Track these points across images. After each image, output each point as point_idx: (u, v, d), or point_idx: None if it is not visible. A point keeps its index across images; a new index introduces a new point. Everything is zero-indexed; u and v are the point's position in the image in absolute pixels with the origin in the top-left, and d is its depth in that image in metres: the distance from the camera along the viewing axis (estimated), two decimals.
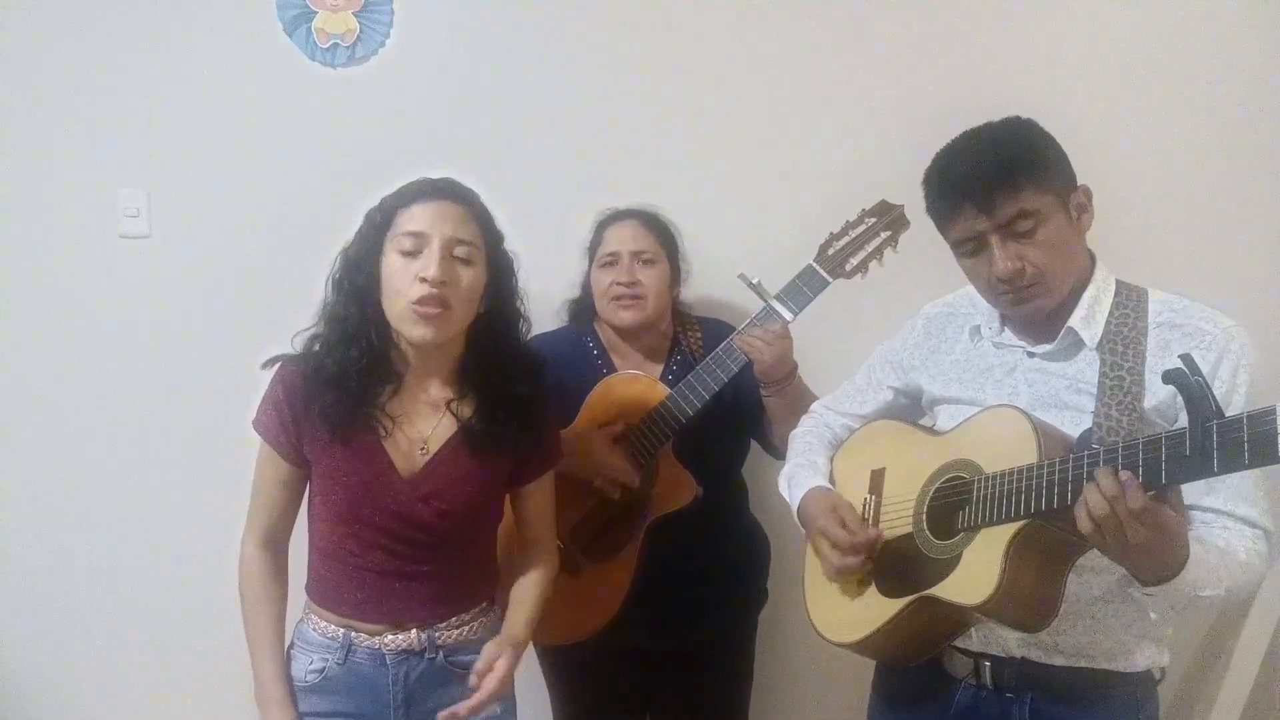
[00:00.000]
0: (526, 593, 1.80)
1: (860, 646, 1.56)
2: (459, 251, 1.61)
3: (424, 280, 1.56)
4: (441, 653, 1.70)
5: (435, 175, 1.69)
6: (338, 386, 1.62)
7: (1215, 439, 1.12)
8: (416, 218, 1.60)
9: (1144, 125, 2.42)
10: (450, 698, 1.70)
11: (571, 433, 2.06)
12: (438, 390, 1.70)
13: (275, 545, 1.72)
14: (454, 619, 1.72)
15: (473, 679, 1.65)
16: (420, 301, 1.57)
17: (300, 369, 1.66)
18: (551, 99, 2.47)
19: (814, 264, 2.02)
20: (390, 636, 1.67)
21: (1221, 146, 2.43)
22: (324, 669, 1.67)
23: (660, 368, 2.19)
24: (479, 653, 1.72)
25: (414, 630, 1.68)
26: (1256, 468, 1.11)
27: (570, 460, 2.01)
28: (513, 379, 1.71)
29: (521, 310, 1.76)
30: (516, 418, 1.70)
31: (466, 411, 1.69)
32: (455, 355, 1.71)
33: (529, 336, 2.14)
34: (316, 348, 1.66)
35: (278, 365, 1.69)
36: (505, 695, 1.78)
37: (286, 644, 1.72)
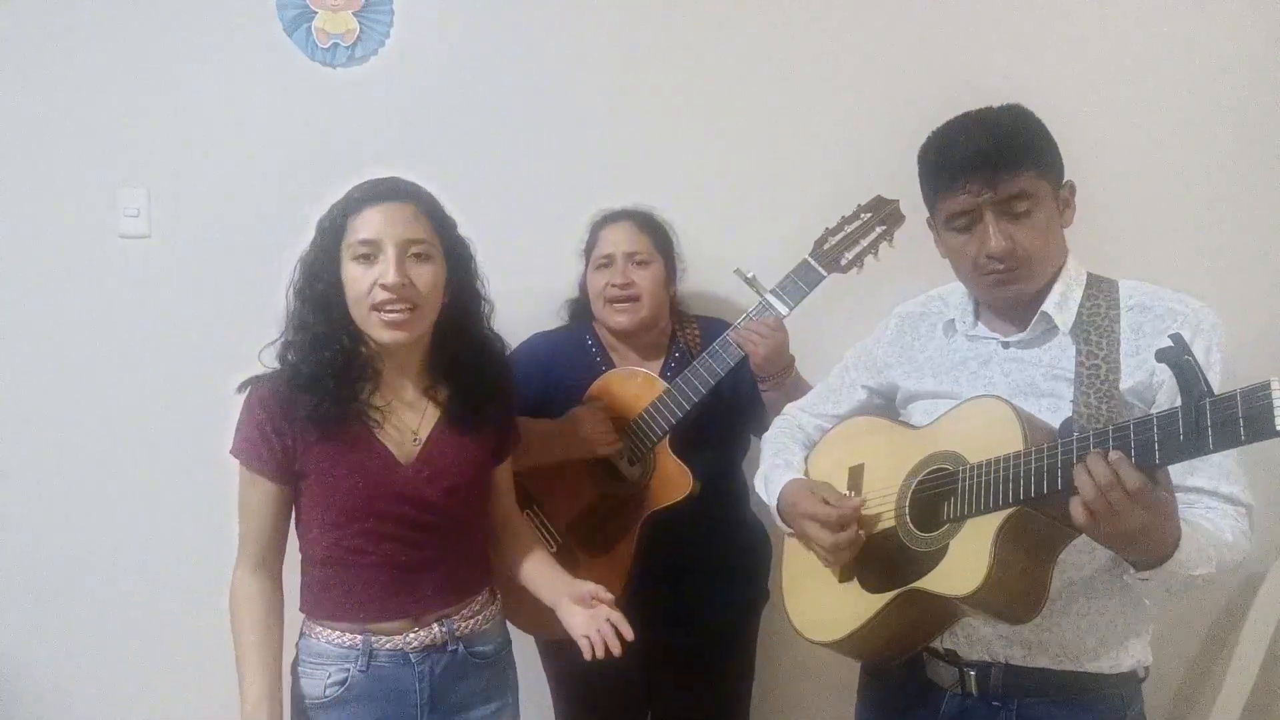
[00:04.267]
0: (550, 563, 1.84)
1: (842, 645, 1.54)
2: (415, 250, 1.63)
3: (384, 287, 1.59)
4: (461, 644, 1.72)
5: (391, 175, 1.72)
6: (316, 389, 1.63)
7: (1209, 417, 1.12)
8: (368, 223, 1.62)
9: (1136, 125, 2.42)
10: (469, 689, 1.73)
11: (561, 421, 2.08)
12: (415, 381, 1.73)
13: (267, 569, 1.70)
14: (467, 609, 1.74)
15: (603, 596, 1.68)
16: (382, 306, 1.60)
17: (273, 384, 1.67)
18: (550, 98, 2.47)
19: (809, 259, 2.03)
20: (412, 634, 1.68)
21: (1215, 145, 2.42)
22: (346, 679, 1.66)
23: (659, 364, 2.20)
24: (493, 642, 1.78)
25: (434, 625, 1.69)
26: (1252, 443, 1.10)
27: (564, 443, 2.04)
28: (481, 361, 1.75)
29: (482, 292, 1.78)
30: (489, 393, 1.75)
31: (444, 397, 1.73)
32: (424, 347, 1.73)
33: (531, 334, 2.18)
34: (290, 355, 1.67)
35: (249, 389, 1.69)
36: (509, 688, 1.81)
37: (288, 663, 1.71)
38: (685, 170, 2.46)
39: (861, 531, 1.55)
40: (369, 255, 1.61)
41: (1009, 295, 1.50)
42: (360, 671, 1.66)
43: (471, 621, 1.74)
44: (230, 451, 1.69)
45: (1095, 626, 1.48)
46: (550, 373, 2.14)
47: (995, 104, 1.52)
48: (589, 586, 1.69)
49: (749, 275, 2.06)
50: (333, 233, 1.66)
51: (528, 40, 2.47)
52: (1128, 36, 2.42)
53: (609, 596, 1.67)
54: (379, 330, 1.62)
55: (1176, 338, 1.16)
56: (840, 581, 1.57)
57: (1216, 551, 1.33)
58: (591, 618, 1.64)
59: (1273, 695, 2.43)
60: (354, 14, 2.45)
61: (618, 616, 1.63)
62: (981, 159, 1.44)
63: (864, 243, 2.03)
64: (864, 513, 1.57)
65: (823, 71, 2.45)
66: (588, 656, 1.61)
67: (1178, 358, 1.14)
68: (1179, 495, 1.37)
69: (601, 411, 2.08)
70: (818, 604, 1.61)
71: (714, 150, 2.47)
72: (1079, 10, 2.43)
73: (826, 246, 2.03)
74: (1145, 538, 1.25)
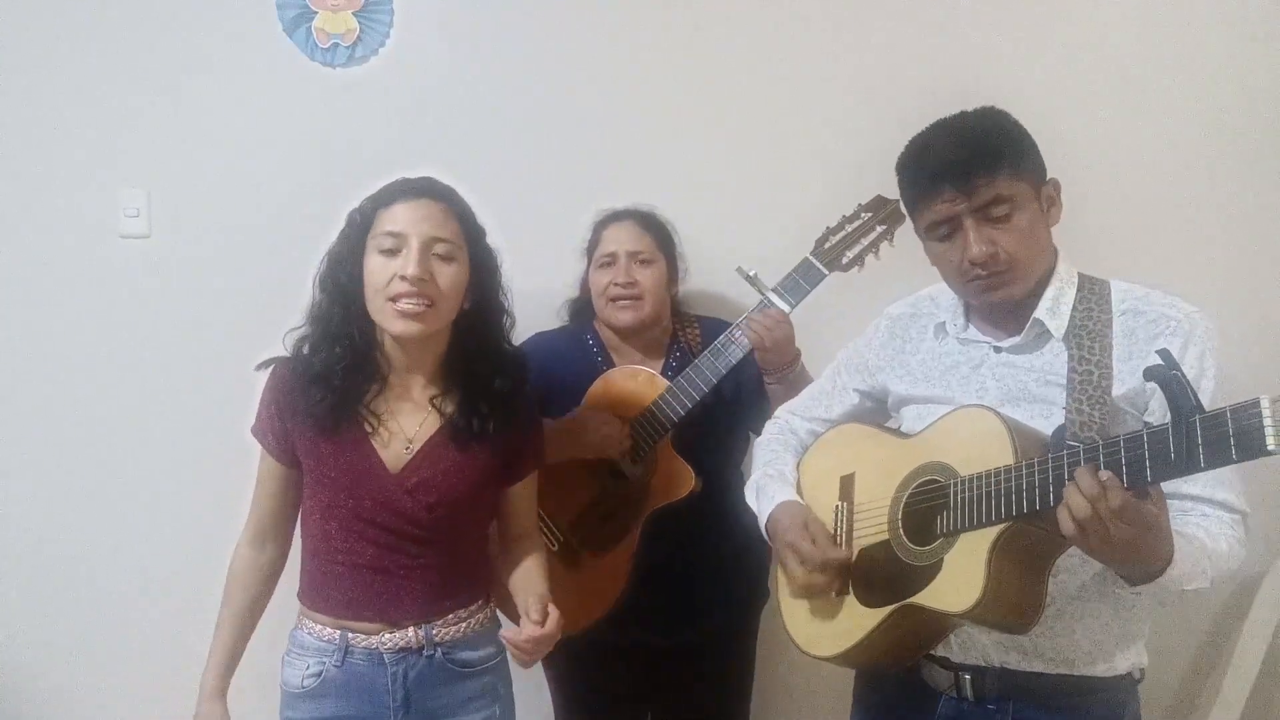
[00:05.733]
0: (534, 572, 1.80)
1: (842, 659, 1.54)
2: (439, 249, 1.63)
3: (403, 279, 1.59)
4: (440, 650, 1.70)
5: (427, 175, 1.72)
6: (323, 384, 1.64)
7: (1200, 435, 1.11)
8: (396, 218, 1.63)
9: (1131, 125, 2.42)
10: (450, 697, 1.71)
11: (570, 419, 2.07)
12: (421, 388, 1.72)
13: (264, 544, 1.74)
14: (450, 616, 1.72)
15: (532, 616, 1.63)
16: (400, 298, 1.60)
17: (289, 368, 1.69)
18: (550, 98, 2.47)
19: (810, 257, 2.04)
20: (387, 635, 1.67)
21: (1210, 146, 2.42)
22: (321, 672, 1.67)
23: (660, 363, 2.20)
24: (482, 649, 1.75)
25: (410, 628, 1.68)
26: (1243, 461, 1.09)
27: (573, 443, 2.03)
28: (494, 374, 1.73)
29: (505, 305, 1.77)
30: (498, 413, 1.72)
31: (449, 407, 1.71)
32: (438, 352, 1.72)
33: (531, 334, 2.18)
34: (305, 349, 1.69)
35: (272, 367, 1.72)
36: (498, 700, 1.79)
37: (281, 653, 1.74)
38: (686, 169, 2.45)
39: (835, 589, 1.55)
40: (393, 248, 1.62)
41: (997, 300, 1.49)
42: (335, 666, 1.67)
43: (453, 629, 1.72)
44: (250, 429, 1.73)
45: (1090, 631, 1.47)
46: (551, 372, 2.13)
47: (980, 105, 1.51)
48: (534, 603, 1.65)
49: (750, 273, 2.07)
50: (361, 225, 1.67)
51: (528, 40, 2.47)
52: (1124, 37, 2.42)
53: (533, 626, 1.62)
54: (392, 320, 1.61)
55: (1164, 354, 1.15)
56: (836, 595, 1.56)
57: (1211, 564, 1.33)
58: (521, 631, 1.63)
59: (1273, 695, 2.43)
60: (354, 14, 2.45)
61: (525, 639, 1.61)
62: (953, 166, 1.43)
63: (865, 242, 2.04)
64: (855, 523, 1.57)
65: (823, 70, 2.45)
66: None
67: (1165, 375, 1.14)
68: (1173, 502, 1.37)
69: (610, 415, 2.08)
70: (815, 618, 1.60)
71: (715, 149, 2.47)
72: (1076, 11, 2.43)
73: (827, 245, 2.04)
74: (1134, 553, 1.24)
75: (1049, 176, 1.50)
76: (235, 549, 1.74)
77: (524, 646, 1.62)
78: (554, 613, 1.65)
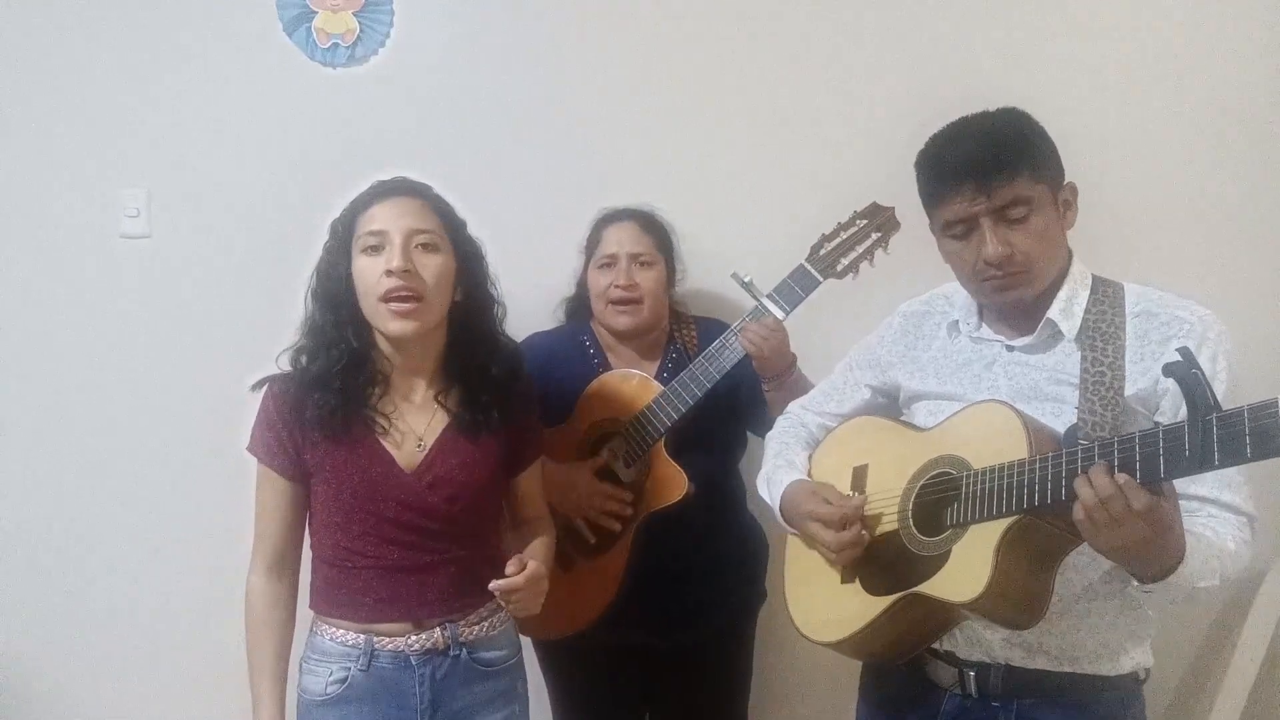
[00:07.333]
0: (536, 547, 1.81)
1: (844, 645, 1.55)
2: (421, 240, 1.65)
3: (389, 273, 1.61)
4: (465, 650, 1.71)
5: (400, 175, 1.75)
6: (323, 387, 1.65)
7: (1215, 433, 1.12)
8: (376, 218, 1.65)
9: (1141, 127, 2.41)
10: (473, 697, 1.72)
11: (555, 472, 2.05)
12: (424, 386, 1.74)
13: (281, 572, 1.72)
14: (473, 615, 1.73)
15: (511, 567, 1.65)
16: (390, 295, 1.61)
17: (286, 382, 1.70)
18: (550, 99, 2.47)
19: (805, 264, 2.04)
20: (414, 637, 1.68)
21: (1223, 149, 2.42)
22: (346, 678, 1.67)
23: (656, 365, 2.20)
24: (502, 649, 1.77)
25: (436, 629, 1.69)
26: (1257, 460, 1.10)
27: (555, 497, 2.01)
28: (490, 362, 1.75)
29: (495, 295, 1.79)
30: (500, 401, 1.74)
31: (454, 403, 1.73)
32: (437, 350, 1.74)
33: (528, 335, 2.17)
34: (302, 359, 1.70)
35: (266, 385, 1.72)
36: (517, 698, 1.80)
37: (296, 663, 1.73)
38: (684, 172, 2.45)
39: (865, 531, 1.55)
40: (377, 246, 1.64)
41: (1010, 300, 1.50)
42: (361, 671, 1.67)
43: (476, 628, 1.73)
44: (246, 448, 1.72)
45: (1096, 629, 1.48)
46: (547, 373, 2.13)
47: (993, 108, 1.51)
48: (514, 558, 1.68)
49: (746, 279, 2.07)
50: (344, 231, 1.69)
51: (528, 41, 2.46)
52: (1132, 39, 2.41)
53: (517, 574, 1.65)
54: (387, 321, 1.63)
55: (1185, 351, 1.16)
56: (842, 582, 1.58)
57: (1220, 563, 1.34)
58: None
59: (1273, 695, 2.43)
60: (354, 14, 2.44)
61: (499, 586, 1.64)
62: (975, 166, 1.44)
63: (859, 249, 2.05)
64: (867, 513, 1.57)
65: (821, 77, 2.45)
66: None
67: (1185, 372, 1.14)
68: (1181, 503, 1.37)
69: (602, 481, 2.09)
70: (820, 604, 1.61)
71: (712, 152, 2.46)
72: (1081, 13, 2.42)
73: (823, 252, 2.05)
74: (1147, 551, 1.25)
75: (1067, 180, 1.51)
76: (249, 589, 1.71)
77: (504, 594, 1.65)
78: (531, 566, 1.66)
